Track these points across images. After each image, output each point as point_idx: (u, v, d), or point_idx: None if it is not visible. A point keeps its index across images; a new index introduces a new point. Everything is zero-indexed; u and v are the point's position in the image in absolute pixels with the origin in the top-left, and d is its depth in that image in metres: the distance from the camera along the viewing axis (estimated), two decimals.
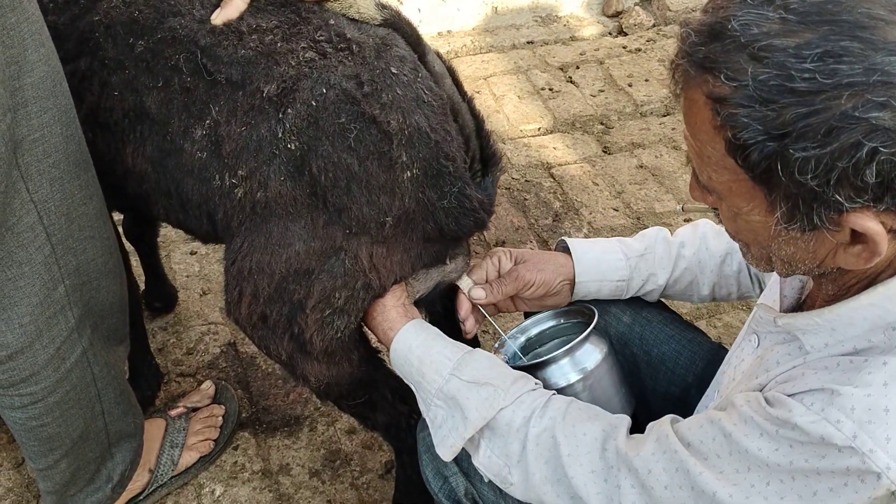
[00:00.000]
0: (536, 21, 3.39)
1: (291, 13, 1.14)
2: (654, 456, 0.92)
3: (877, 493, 0.76)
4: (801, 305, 1.00)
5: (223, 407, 1.78)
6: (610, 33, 3.34)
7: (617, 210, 2.45)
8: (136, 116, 1.21)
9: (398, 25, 1.16)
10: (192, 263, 2.20)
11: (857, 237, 0.77)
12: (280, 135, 1.09)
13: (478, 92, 2.93)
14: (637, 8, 3.36)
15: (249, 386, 1.90)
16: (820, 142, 0.69)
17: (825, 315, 0.86)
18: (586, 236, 2.34)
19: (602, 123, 2.83)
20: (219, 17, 1.14)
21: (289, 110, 1.08)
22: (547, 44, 3.25)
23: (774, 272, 0.92)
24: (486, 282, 1.29)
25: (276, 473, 1.73)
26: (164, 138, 1.19)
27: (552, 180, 2.57)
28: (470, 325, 1.28)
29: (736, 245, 1.28)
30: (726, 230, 0.90)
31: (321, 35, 1.11)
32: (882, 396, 0.75)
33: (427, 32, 3.25)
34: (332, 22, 1.13)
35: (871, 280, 0.84)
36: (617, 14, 3.39)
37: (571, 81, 3.01)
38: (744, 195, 0.80)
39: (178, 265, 2.19)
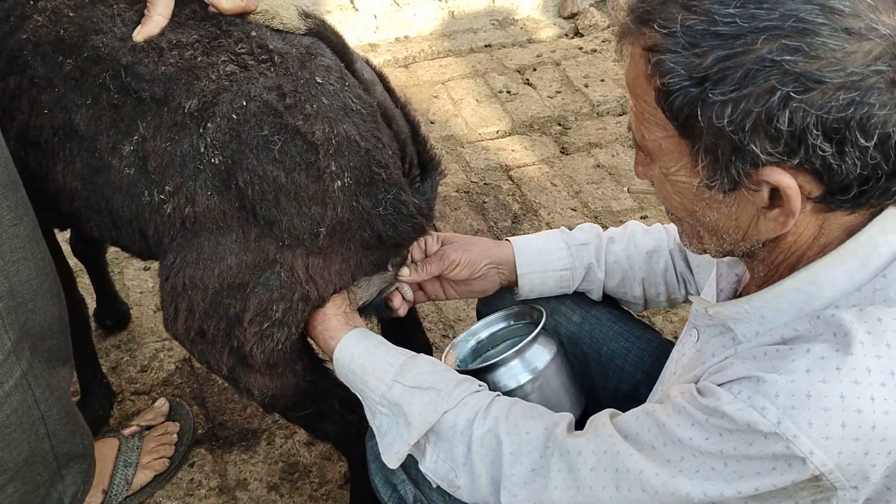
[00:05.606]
0: (493, 24, 3.39)
1: (212, 27, 1.13)
2: (589, 443, 0.94)
3: (802, 476, 0.77)
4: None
5: (178, 424, 1.76)
6: (566, 35, 3.35)
7: (575, 210, 2.46)
8: (66, 134, 1.19)
9: (323, 34, 1.15)
10: (145, 279, 2.18)
11: (775, 201, 0.79)
12: (202, 150, 1.08)
13: (436, 97, 2.93)
14: (592, 9, 3.38)
15: (206, 401, 1.88)
16: (737, 85, 0.72)
17: (753, 301, 0.88)
18: None
19: (559, 124, 2.84)
20: (139, 35, 1.13)
21: (209, 125, 1.08)
22: (504, 47, 3.26)
23: (707, 256, 0.93)
24: (412, 262, 1.30)
25: (234, 489, 1.71)
26: (92, 155, 1.18)
27: (511, 182, 2.58)
28: (397, 303, 1.32)
29: (663, 243, 1.31)
30: (662, 203, 0.91)
31: (242, 47, 1.10)
32: (804, 382, 0.76)
33: (384, 38, 3.25)
34: (253, 34, 1.12)
35: (797, 260, 0.86)
36: (573, 15, 3.41)
37: (529, 83, 3.02)
38: (672, 153, 0.82)
39: (131, 282, 2.17)
